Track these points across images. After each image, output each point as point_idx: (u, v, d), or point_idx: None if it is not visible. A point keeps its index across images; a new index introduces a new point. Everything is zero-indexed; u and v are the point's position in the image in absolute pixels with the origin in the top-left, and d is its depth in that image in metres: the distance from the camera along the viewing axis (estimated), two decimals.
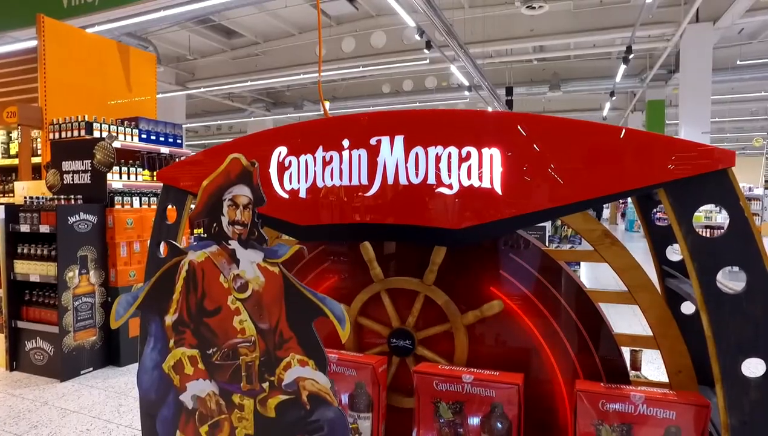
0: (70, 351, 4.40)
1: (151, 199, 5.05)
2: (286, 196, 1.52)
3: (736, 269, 1.12)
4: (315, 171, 1.48)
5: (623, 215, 24.17)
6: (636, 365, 1.64)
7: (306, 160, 1.50)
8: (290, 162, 1.52)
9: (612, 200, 1.20)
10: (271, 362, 0.92)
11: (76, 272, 4.43)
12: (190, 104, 19.16)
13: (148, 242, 1.68)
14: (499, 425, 1.48)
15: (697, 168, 1.11)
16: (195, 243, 0.99)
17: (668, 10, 11.36)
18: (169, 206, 1.75)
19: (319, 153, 1.48)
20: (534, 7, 10.24)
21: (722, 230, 1.13)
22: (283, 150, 1.53)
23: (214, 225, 0.98)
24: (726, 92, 16.19)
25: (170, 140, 5.95)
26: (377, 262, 1.69)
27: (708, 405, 1.29)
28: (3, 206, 4.55)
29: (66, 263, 4.34)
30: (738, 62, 13.11)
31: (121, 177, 5.26)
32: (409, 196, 1.37)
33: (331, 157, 1.46)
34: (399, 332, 1.67)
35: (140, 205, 4.92)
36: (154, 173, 5.71)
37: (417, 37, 9.86)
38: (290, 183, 1.52)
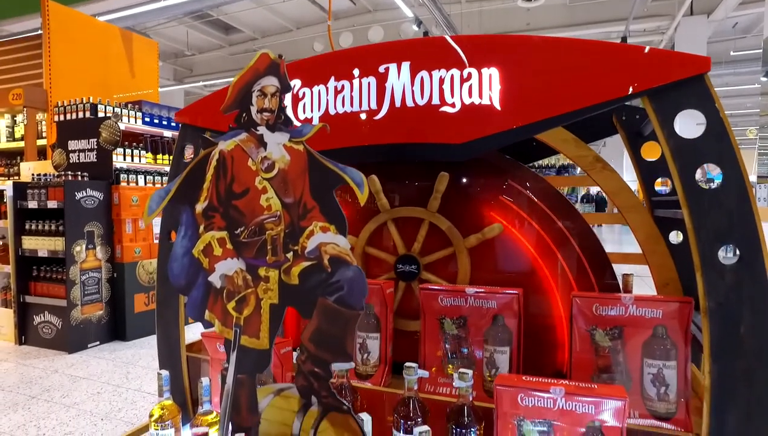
0: (78, 324, 4.49)
1: (156, 178, 5.15)
2: (299, 125, 1.63)
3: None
4: (327, 100, 1.59)
5: None
6: (627, 288, 1.75)
7: (319, 91, 1.61)
8: (304, 93, 1.63)
9: (603, 109, 1.31)
10: (295, 233, 1.02)
11: (83, 246, 4.52)
12: (188, 101, 19.24)
13: (167, 179, 1.78)
14: (500, 335, 1.59)
15: (676, 74, 1.22)
16: (225, 133, 1.10)
17: (662, 3, 11.53)
18: (187, 145, 1.86)
19: (331, 83, 1.59)
20: (530, 0, 10.38)
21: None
22: (297, 82, 1.64)
23: (244, 115, 1.08)
24: (720, 86, 16.37)
25: (173, 124, 6.03)
26: (383, 193, 1.80)
27: (690, 301, 1.40)
28: (11, 183, 4.64)
29: (73, 237, 4.43)
30: (732, 53, 13.28)
31: (125, 159, 5.34)
32: (415, 116, 1.48)
33: (343, 86, 1.57)
34: (405, 258, 1.78)
35: (145, 183, 5.02)
36: (157, 156, 5.80)
37: (415, 28, 9.98)
38: (304, 112, 1.63)
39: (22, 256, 4.66)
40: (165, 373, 1.56)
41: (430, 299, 1.63)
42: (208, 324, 1.14)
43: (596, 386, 1.31)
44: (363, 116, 1.54)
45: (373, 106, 1.53)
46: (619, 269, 1.72)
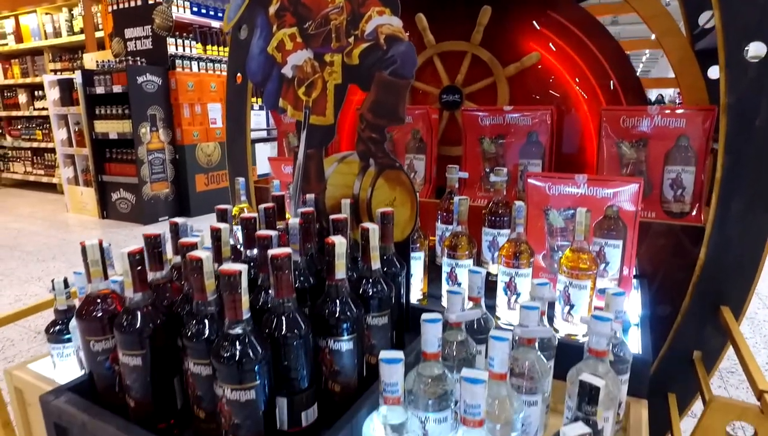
0: (149, 199, 4.99)
1: (208, 64, 5.36)
2: None
3: None
4: None
5: None
6: None
7: None
8: None
9: None
10: (356, 19, 1.20)
11: (148, 128, 4.89)
12: None
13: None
14: (534, 150, 1.76)
15: None
16: None
17: None
18: None
19: None
20: None
21: None
22: None
23: None
24: None
25: (220, 15, 6.12)
26: (429, 30, 1.92)
27: (713, 108, 1.51)
28: (79, 71, 4.98)
29: (138, 119, 4.80)
30: None
31: (177, 49, 5.54)
32: None
33: None
34: (449, 89, 1.94)
35: (198, 69, 5.24)
36: (207, 47, 5.97)
37: None
38: None
39: (95, 139, 5.10)
40: (241, 179, 1.85)
41: (471, 121, 1.81)
42: (282, 110, 1.37)
43: (615, 178, 1.48)
44: None
45: None
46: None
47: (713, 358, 1.55)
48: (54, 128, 5.66)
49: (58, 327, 1.34)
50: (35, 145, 6.88)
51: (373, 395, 0.92)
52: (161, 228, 1.04)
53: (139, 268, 0.86)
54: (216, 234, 0.99)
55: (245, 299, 0.74)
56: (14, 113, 7.01)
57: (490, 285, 1.58)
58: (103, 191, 5.21)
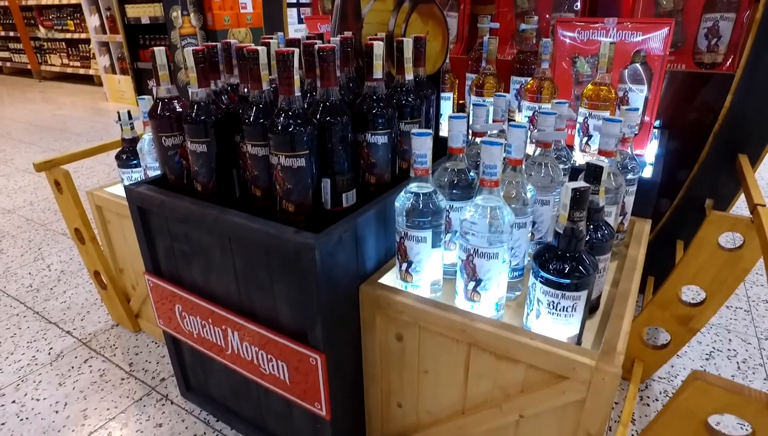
0: (184, 86, 5.08)
1: None
2: None
3: None
4: None
5: None
6: None
7: None
8: None
9: None
10: None
11: (179, 12, 4.86)
12: None
13: None
14: (568, 2, 1.75)
15: None
16: None
17: None
18: None
19: None
20: None
21: None
22: None
23: None
24: None
25: None
26: None
27: None
28: None
29: (169, 2, 4.76)
30: None
31: None
32: None
33: None
34: None
35: None
36: None
37: None
38: None
39: (128, 25, 5.12)
40: (280, 33, 1.92)
41: None
42: None
43: (645, 20, 1.48)
44: None
45: None
46: None
47: (725, 204, 1.64)
48: (86, 14, 5.67)
49: (125, 155, 1.52)
50: (69, 36, 6.93)
51: (404, 187, 1.06)
52: None
53: (202, 65, 0.98)
54: (266, 47, 1.09)
55: (297, 78, 0.86)
56: (44, 1, 7.00)
57: None
58: (139, 79, 5.33)
